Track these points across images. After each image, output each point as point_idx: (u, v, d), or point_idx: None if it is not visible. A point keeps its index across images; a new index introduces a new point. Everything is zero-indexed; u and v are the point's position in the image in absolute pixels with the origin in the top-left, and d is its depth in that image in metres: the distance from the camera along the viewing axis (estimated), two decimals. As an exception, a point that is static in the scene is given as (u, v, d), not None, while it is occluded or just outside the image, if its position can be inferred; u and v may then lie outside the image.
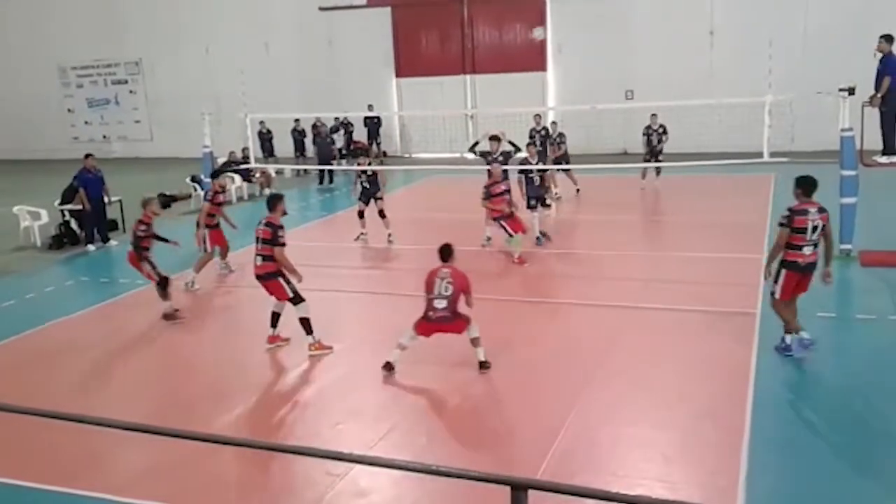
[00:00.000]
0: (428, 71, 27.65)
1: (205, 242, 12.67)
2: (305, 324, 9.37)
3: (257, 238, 9.39)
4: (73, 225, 16.47)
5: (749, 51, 20.55)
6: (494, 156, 14.30)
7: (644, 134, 18.66)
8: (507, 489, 3.24)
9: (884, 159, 12.36)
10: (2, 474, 6.81)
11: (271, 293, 9.49)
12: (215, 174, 14.18)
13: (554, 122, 19.81)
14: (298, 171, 24.12)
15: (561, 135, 19.14)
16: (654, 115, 18.29)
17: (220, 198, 13.04)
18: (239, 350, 9.95)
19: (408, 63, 28.11)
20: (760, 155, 13.32)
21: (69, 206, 16.53)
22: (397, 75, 28.27)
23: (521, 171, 14.24)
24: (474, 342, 8.63)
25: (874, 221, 13.12)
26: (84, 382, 9.16)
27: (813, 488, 6.23)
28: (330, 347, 9.46)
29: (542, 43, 26.59)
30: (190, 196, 19.91)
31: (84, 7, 31.17)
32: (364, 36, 27.96)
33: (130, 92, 32.15)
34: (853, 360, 8.74)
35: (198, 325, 11.27)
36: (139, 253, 11.08)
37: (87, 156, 16.21)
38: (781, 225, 8.43)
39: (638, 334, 9.64)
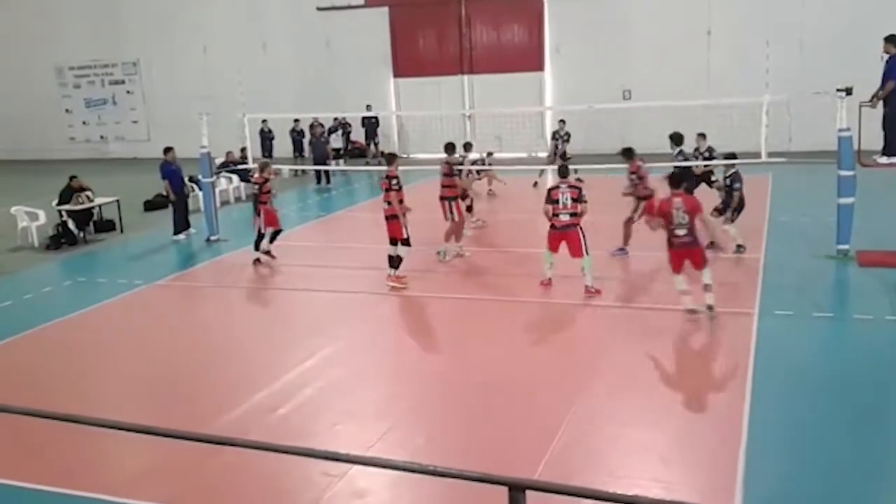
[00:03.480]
0: (426, 71, 27.65)
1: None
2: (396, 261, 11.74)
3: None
4: (71, 225, 16.47)
5: (746, 51, 20.55)
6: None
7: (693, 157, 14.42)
8: (505, 489, 3.24)
9: (883, 160, 12.35)
10: (1, 474, 6.81)
11: (392, 233, 11.75)
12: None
13: (562, 121, 20.89)
14: (296, 171, 24.08)
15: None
16: (700, 134, 14.49)
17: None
18: (237, 350, 9.95)
19: (405, 63, 28.10)
20: (758, 155, 13.31)
21: (66, 207, 16.55)
22: (395, 75, 28.26)
23: None
24: (706, 288, 9.73)
25: (872, 222, 13.12)
26: (82, 382, 9.15)
27: (810, 489, 6.24)
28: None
29: (541, 43, 26.61)
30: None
31: (81, 7, 31.14)
32: (362, 36, 27.95)
33: (128, 92, 32.13)
34: (851, 360, 8.73)
35: (195, 326, 11.27)
36: None
37: (168, 149, 16.60)
38: None
39: (635, 334, 9.64)
